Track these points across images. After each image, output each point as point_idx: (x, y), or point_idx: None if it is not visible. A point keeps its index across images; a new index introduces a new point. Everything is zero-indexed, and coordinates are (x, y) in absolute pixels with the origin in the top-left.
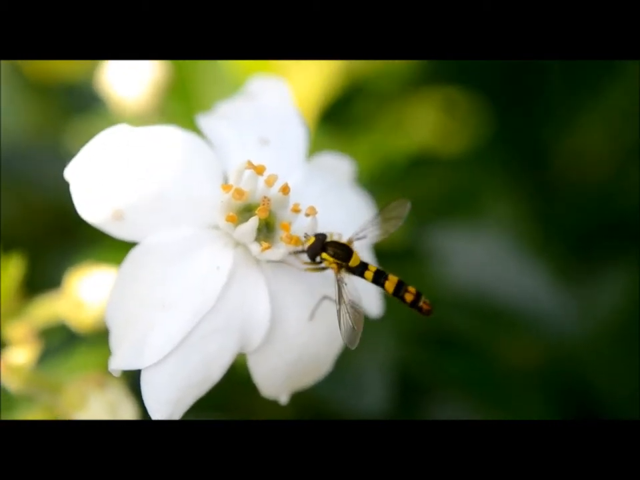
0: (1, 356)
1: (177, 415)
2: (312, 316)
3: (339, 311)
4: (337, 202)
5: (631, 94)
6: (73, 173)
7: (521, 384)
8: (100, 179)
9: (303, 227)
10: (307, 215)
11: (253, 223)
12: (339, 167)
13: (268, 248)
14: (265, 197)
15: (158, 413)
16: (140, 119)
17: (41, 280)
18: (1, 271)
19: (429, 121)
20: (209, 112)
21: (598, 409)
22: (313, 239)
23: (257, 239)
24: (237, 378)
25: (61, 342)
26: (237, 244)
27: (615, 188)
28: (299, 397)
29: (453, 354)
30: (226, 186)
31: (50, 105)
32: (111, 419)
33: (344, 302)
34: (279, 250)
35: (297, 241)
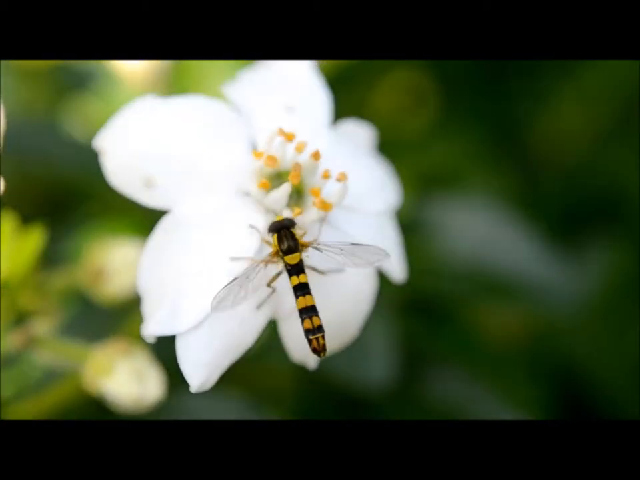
0: (24, 327)
1: (213, 379)
2: (338, 280)
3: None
4: (361, 167)
5: (605, 72)
6: (102, 142)
7: (510, 356)
8: (130, 148)
9: (331, 193)
10: (338, 180)
11: (285, 188)
12: (359, 133)
13: (300, 213)
14: (297, 163)
15: (195, 376)
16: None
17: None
18: (20, 243)
19: (394, 104)
20: (232, 80)
21: (585, 384)
22: (280, 218)
23: (289, 205)
24: None
25: (79, 312)
26: (267, 210)
27: (591, 164)
28: (303, 370)
29: (444, 325)
30: (257, 153)
31: (40, 87)
32: (138, 387)
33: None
34: (311, 215)
35: (329, 206)
